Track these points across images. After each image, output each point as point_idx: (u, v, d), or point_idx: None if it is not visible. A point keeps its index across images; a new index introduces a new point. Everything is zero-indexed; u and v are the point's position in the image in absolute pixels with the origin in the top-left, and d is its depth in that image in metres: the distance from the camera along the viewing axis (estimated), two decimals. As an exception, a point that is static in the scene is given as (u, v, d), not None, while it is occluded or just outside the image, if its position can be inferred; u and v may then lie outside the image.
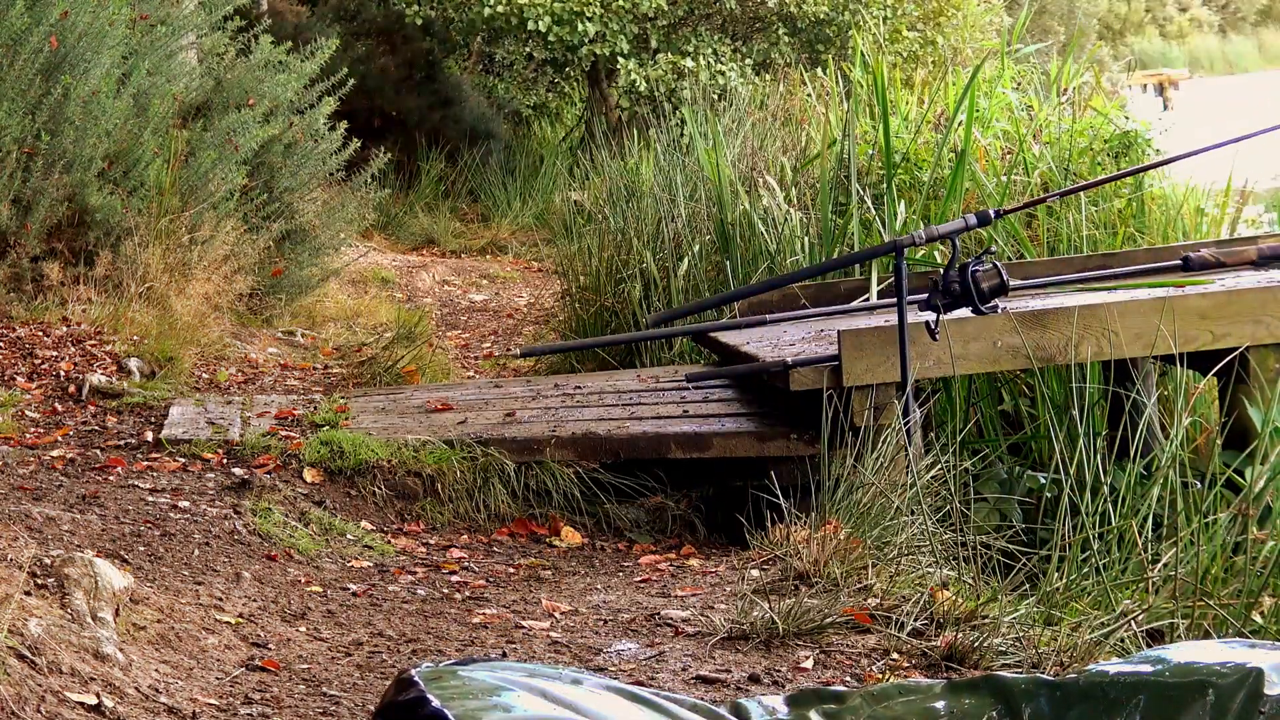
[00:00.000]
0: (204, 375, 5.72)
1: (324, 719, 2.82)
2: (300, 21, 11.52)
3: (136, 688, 2.76)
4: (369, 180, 7.52)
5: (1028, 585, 3.46)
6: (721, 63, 11.80)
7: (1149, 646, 2.92)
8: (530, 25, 11.62)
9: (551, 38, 11.73)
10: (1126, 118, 7.47)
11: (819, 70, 11.18)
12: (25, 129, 5.61)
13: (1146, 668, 2.05)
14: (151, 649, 3.01)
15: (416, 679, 1.78)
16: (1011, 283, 4.46)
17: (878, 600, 3.32)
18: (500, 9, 11.57)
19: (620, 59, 11.83)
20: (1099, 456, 3.73)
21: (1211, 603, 3.25)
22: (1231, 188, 7.05)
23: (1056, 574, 3.36)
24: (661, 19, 12.11)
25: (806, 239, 6.49)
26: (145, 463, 4.48)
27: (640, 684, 2.89)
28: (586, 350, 6.47)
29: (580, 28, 11.64)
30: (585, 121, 12.98)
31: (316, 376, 6.01)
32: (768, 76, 11.13)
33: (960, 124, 6.91)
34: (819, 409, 4.14)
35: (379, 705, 1.82)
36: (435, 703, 1.71)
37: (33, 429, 4.74)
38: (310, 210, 7.07)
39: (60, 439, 4.65)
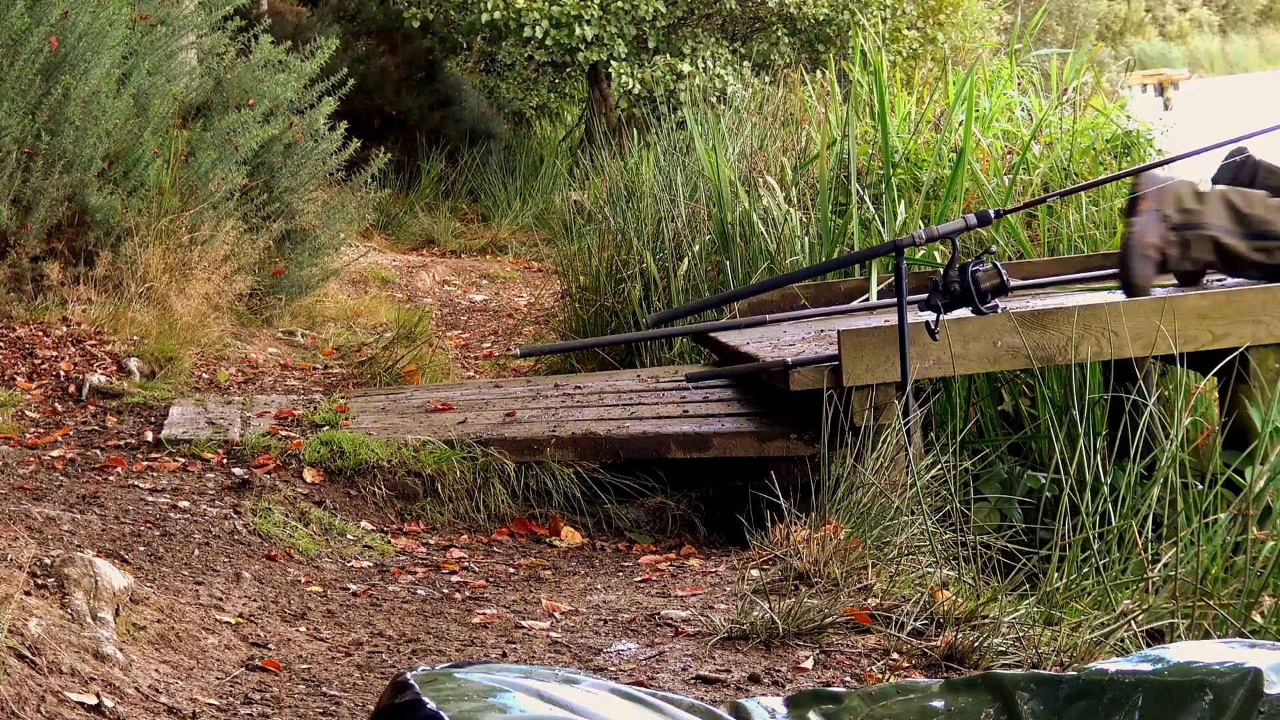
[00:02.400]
0: (204, 375, 5.73)
1: (324, 719, 2.82)
2: (300, 21, 11.53)
3: (136, 688, 2.76)
4: (369, 180, 7.52)
5: (1028, 585, 3.46)
6: (719, 65, 11.80)
7: (1149, 646, 2.92)
8: (526, 31, 11.62)
9: (549, 42, 11.73)
10: (1128, 118, 7.47)
11: (819, 70, 11.18)
12: (25, 129, 5.61)
13: (1145, 667, 2.05)
14: (151, 649, 3.01)
15: (412, 682, 1.78)
16: (1011, 283, 4.46)
17: (878, 600, 3.32)
18: (497, 14, 11.57)
19: (614, 62, 11.82)
20: (1099, 456, 3.73)
21: (1211, 603, 3.25)
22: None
23: (1056, 574, 3.36)
24: (660, 20, 12.11)
25: (806, 239, 6.49)
26: (145, 463, 4.48)
27: (640, 684, 2.89)
28: (586, 350, 6.47)
29: (578, 31, 11.63)
30: (585, 121, 12.99)
31: (316, 376, 6.01)
32: (767, 77, 11.14)
33: (960, 123, 6.91)
34: (819, 409, 4.14)
35: (375, 708, 1.82)
36: (431, 705, 1.71)
37: (33, 429, 4.74)
38: (310, 210, 7.07)
39: (60, 439, 4.65)
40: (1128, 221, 4.66)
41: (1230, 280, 4.87)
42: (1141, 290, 4.60)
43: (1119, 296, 4.76)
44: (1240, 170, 4.88)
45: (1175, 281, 4.95)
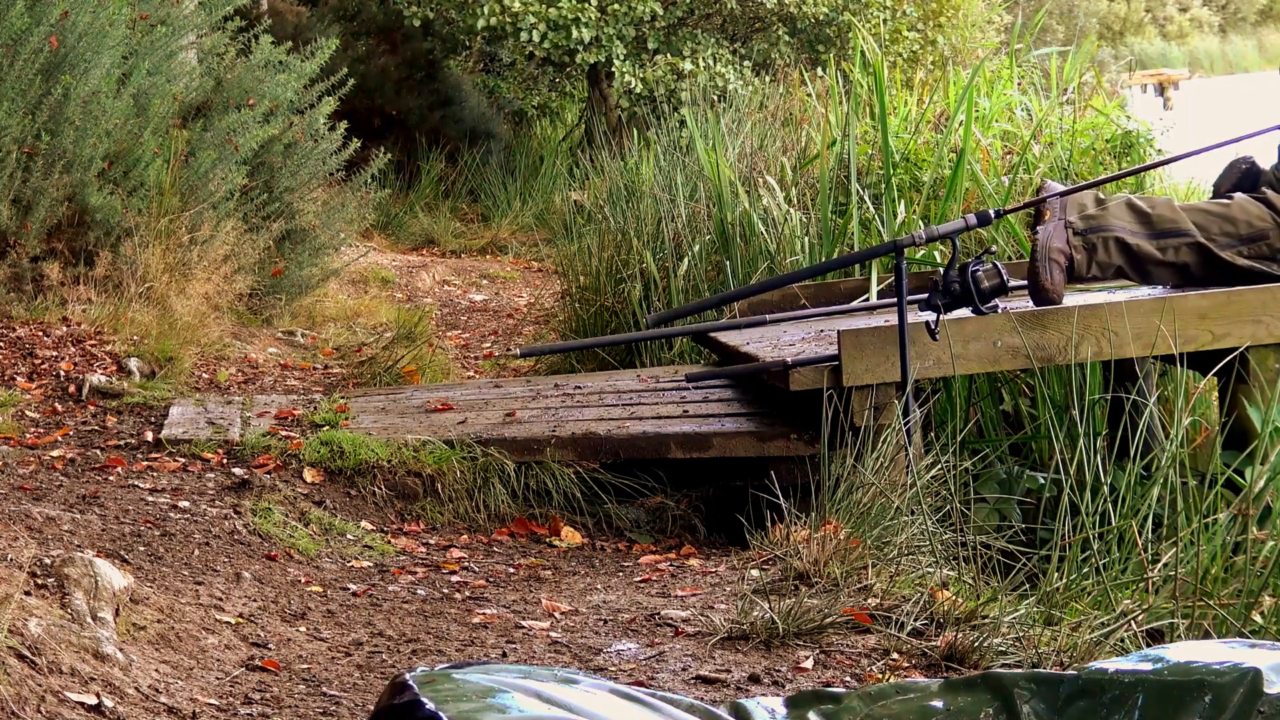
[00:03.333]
0: (204, 375, 5.73)
1: (324, 719, 2.82)
2: (300, 21, 11.53)
3: (136, 688, 2.76)
4: (369, 180, 7.52)
5: (1028, 585, 3.46)
6: (720, 64, 11.80)
7: (1149, 646, 2.92)
8: (524, 36, 11.62)
9: (546, 44, 11.73)
10: (1128, 117, 7.47)
11: (819, 70, 11.18)
12: (25, 129, 5.61)
13: (1145, 666, 2.05)
14: (151, 649, 3.01)
15: (410, 683, 1.78)
16: (1011, 283, 4.47)
17: (878, 600, 3.32)
18: (494, 20, 11.57)
19: (616, 62, 11.83)
20: (1099, 456, 3.73)
21: (1211, 603, 3.25)
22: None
23: (1056, 574, 3.36)
24: (659, 21, 12.11)
25: (806, 239, 6.49)
26: (145, 463, 4.48)
27: (640, 684, 2.89)
28: (586, 350, 6.47)
29: (575, 34, 11.63)
30: (585, 121, 12.99)
31: (316, 376, 6.01)
32: (767, 77, 11.14)
33: (960, 124, 6.91)
34: (819, 409, 4.14)
35: (375, 709, 1.82)
36: (430, 706, 1.71)
37: (33, 429, 4.74)
38: (310, 210, 7.07)
39: (60, 439, 4.65)
40: (1033, 232, 4.63)
41: (1143, 291, 4.84)
42: (1052, 298, 4.55)
43: (1119, 296, 4.76)
44: (1244, 175, 4.88)
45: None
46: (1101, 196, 4.75)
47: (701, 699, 2.65)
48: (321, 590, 3.70)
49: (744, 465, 4.63)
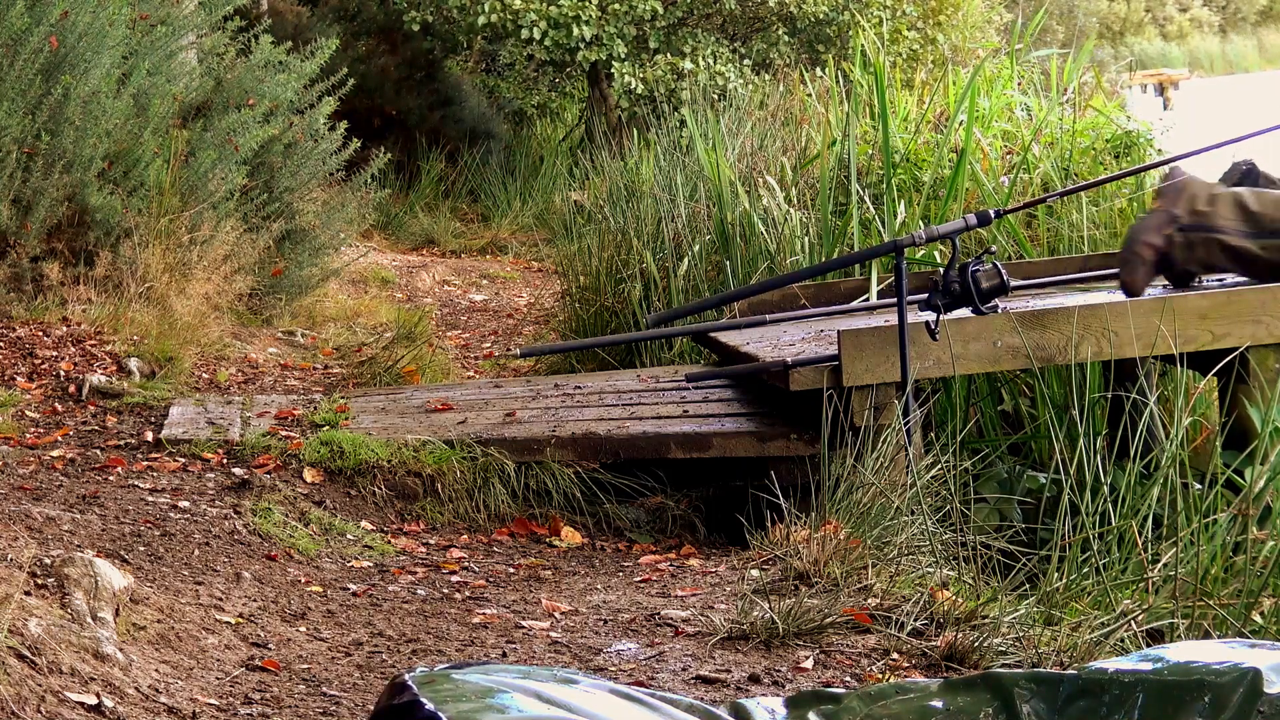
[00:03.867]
0: (204, 375, 5.73)
1: (324, 719, 2.82)
2: (300, 21, 11.53)
3: (136, 688, 2.76)
4: (369, 180, 7.52)
5: (1028, 585, 3.46)
6: (720, 63, 11.80)
7: (1149, 646, 2.92)
8: (524, 33, 11.63)
9: (547, 42, 11.74)
10: (1127, 118, 7.47)
11: (819, 70, 11.18)
12: (25, 129, 5.61)
13: (1145, 666, 2.05)
14: (151, 649, 3.01)
15: (410, 683, 1.78)
16: (1011, 283, 4.46)
17: (878, 600, 3.32)
18: (494, 17, 11.57)
19: (615, 62, 11.83)
20: (1099, 456, 3.73)
21: (1211, 603, 3.25)
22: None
23: (1056, 574, 3.36)
24: (659, 20, 12.11)
25: (806, 239, 6.49)
26: (145, 463, 4.48)
27: (640, 684, 2.89)
28: (586, 350, 6.47)
29: (575, 32, 11.64)
30: (585, 121, 12.99)
31: (316, 376, 6.01)
32: (767, 77, 11.14)
33: (961, 124, 6.91)
34: (819, 409, 4.14)
35: (374, 709, 1.82)
36: (429, 706, 1.71)
37: (33, 429, 4.74)
38: (310, 210, 7.07)
39: (60, 439, 4.65)
40: (1137, 218, 4.66)
41: (1230, 280, 4.86)
42: (1133, 288, 4.59)
43: (1119, 296, 4.76)
44: (1244, 178, 4.88)
45: (1165, 282, 4.91)
46: (1216, 191, 4.75)
47: (701, 699, 2.65)
48: (321, 590, 3.70)
49: (744, 465, 4.63)
